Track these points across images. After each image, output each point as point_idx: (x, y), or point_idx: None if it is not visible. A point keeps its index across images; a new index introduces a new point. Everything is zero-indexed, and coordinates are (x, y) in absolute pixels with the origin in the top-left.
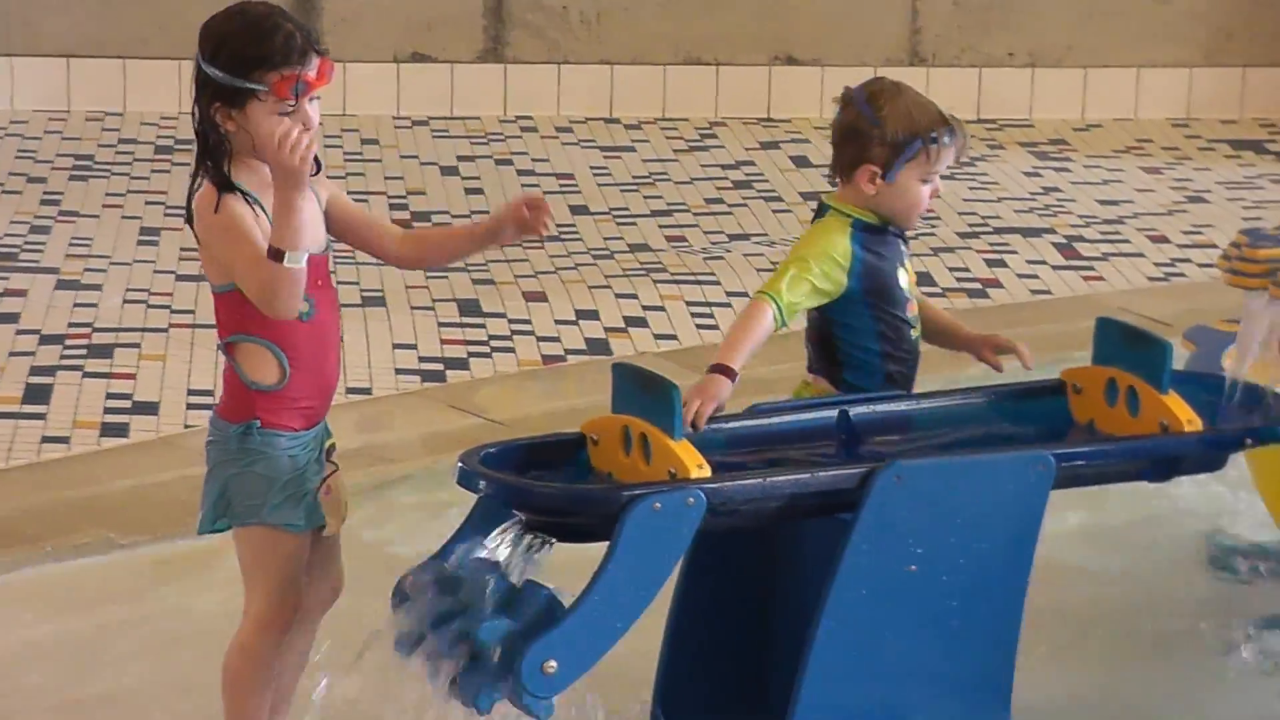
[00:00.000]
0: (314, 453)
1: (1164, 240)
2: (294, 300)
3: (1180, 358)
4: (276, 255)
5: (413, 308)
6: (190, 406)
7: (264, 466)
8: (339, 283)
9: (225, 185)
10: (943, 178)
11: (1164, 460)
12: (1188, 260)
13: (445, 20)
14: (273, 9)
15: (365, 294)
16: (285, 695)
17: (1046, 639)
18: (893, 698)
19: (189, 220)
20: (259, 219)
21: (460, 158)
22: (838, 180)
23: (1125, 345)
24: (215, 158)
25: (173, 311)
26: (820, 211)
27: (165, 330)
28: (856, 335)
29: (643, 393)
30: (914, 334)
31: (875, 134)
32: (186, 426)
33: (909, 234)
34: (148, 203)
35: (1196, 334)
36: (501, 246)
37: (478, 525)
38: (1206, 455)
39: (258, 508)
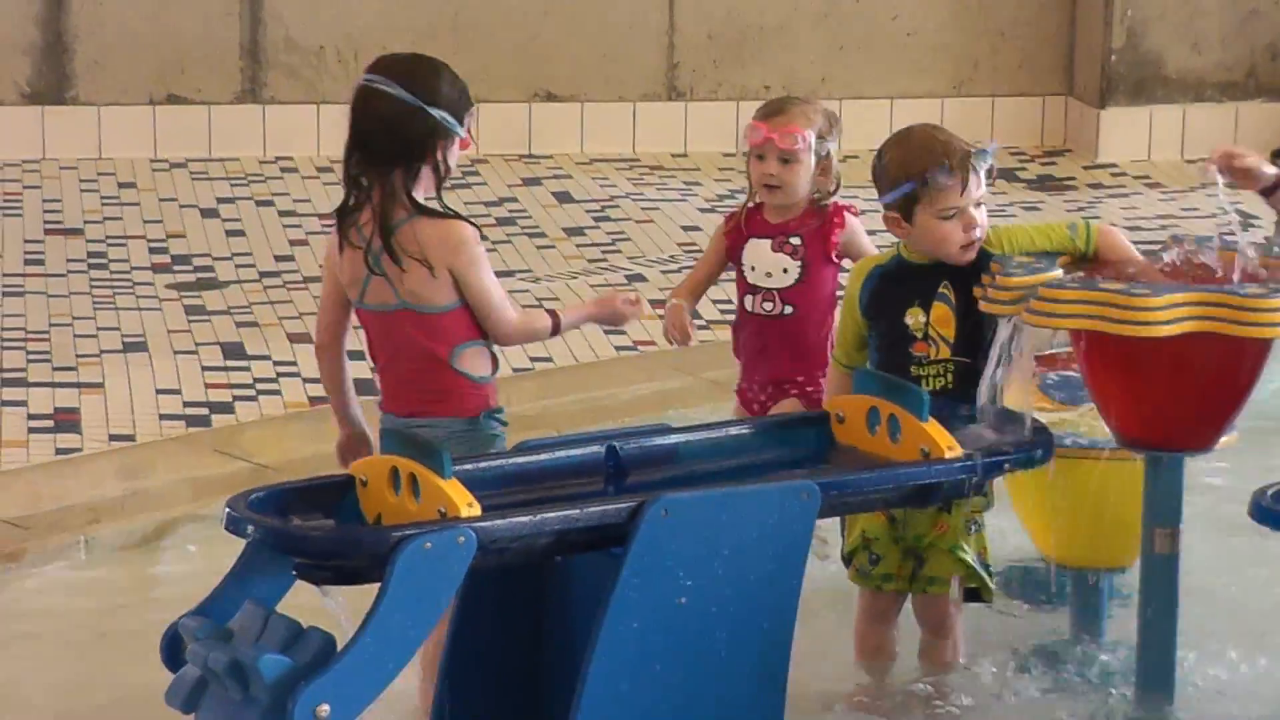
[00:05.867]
0: None
1: None
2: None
3: None
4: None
5: (176, 352)
6: None
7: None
8: (99, 328)
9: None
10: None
11: (926, 487)
12: None
13: (200, 61)
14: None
15: (126, 339)
16: None
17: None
18: None
19: (388, 251)
20: None
21: (220, 199)
22: None
23: (884, 391)
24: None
25: None
26: None
27: None
28: (872, 360)
29: (412, 447)
30: (922, 371)
31: (884, 183)
32: None
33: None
34: None
35: None
36: None
37: (246, 571)
38: (967, 481)
39: None
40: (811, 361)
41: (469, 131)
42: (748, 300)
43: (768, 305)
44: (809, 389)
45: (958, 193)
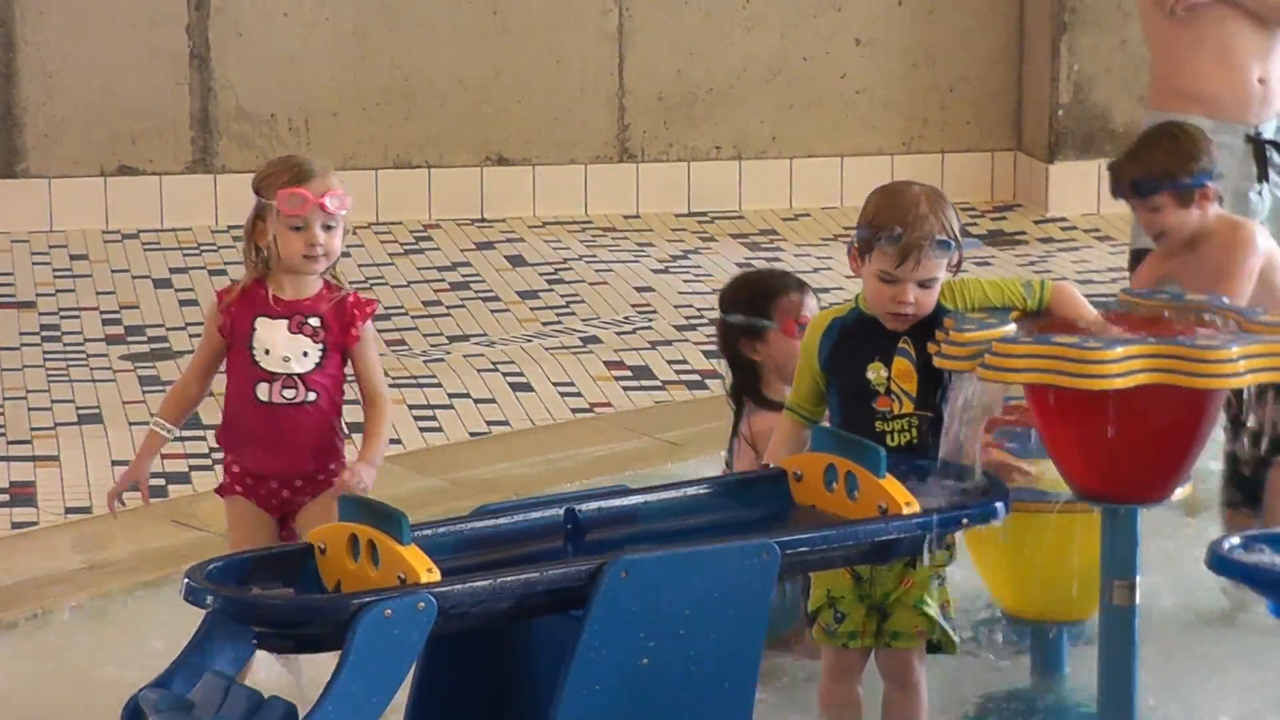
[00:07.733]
0: None
1: None
2: None
3: None
4: None
5: (131, 423)
6: None
7: None
8: (53, 401)
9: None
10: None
11: (885, 543)
12: None
13: (151, 132)
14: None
15: (81, 411)
16: None
17: None
18: None
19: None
20: None
21: (173, 270)
22: None
23: (841, 448)
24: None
25: None
26: None
27: None
28: (834, 414)
29: (370, 513)
30: (886, 426)
31: (860, 217)
32: None
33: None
34: None
35: None
36: None
37: (207, 641)
38: (925, 537)
39: None
40: (334, 452)
41: (777, 319)
42: (261, 389)
43: (289, 392)
44: (335, 481)
45: (895, 263)
